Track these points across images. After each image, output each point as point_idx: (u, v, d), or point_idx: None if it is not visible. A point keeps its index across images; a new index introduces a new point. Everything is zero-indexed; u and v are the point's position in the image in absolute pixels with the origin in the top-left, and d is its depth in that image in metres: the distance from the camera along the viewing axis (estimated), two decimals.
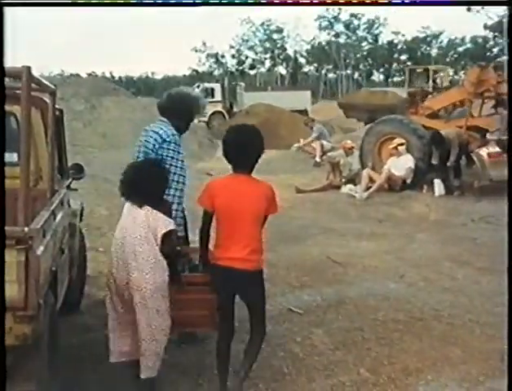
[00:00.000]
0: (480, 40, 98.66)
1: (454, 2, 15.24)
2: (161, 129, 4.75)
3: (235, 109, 38.94)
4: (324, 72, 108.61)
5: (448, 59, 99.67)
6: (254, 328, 4.10)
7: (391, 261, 7.79)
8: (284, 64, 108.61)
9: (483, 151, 11.88)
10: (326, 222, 10.10)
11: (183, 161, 4.75)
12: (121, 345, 4.01)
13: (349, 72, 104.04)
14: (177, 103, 4.92)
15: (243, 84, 45.39)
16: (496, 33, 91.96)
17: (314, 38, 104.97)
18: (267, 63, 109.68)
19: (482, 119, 13.87)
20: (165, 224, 3.85)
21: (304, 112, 33.69)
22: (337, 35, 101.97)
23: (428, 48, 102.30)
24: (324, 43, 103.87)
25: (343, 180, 13.50)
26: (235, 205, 3.86)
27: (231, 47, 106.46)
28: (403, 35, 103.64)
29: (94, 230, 8.35)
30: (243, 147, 3.93)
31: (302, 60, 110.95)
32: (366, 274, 7.17)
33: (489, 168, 11.59)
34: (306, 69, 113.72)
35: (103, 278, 6.69)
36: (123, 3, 4.70)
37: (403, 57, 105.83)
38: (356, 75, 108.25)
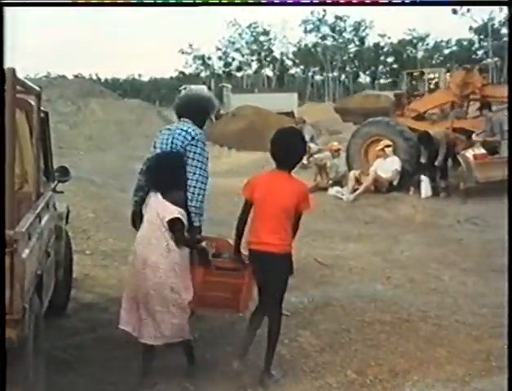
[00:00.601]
0: (465, 43, 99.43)
1: (456, 2, 15.37)
2: (189, 127, 4.94)
3: (221, 111, 38.84)
4: (310, 74, 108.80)
5: (433, 62, 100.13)
6: (271, 319, 4.47)
7: (378, 263, 7.82)
8: (271, 66, 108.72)
9: (469, 153, 11.96)
10: (313, 224, 10.09)
11: (207, 158, 4.96)
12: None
13: (335, 74, 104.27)
14: (194, 103, 5.16)
15: (230, 86, 45.30)
16: (482, 36, 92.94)
17: (300, 40, 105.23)
18: (254, 66, 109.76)
19: (467, 121, 13.96)
20: (170, 211, 4.26)
21: (291, 114, 33.70)
22: (323, 37, 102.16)
23: (414, 50, 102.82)
24: (310, 45, 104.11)
25: (330, 182, 13.54)
26: (270, 198, 4.37)
27: (218, 49, 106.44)
28: (390, 37, 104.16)
29: (80, 233, 8.32)
30: (287, 149, 4.45)
31: (288, 62, 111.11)
32: (353, 275, 7.20)
33: (475, 169, 11.67)
34: (292, 71, 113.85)
35: (89, 281, 6.70)
36: (123, 3, 4.67)
37: (390, 59, 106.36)
38: (343, 77, 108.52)
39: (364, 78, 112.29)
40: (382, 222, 10.44)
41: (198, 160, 4.83)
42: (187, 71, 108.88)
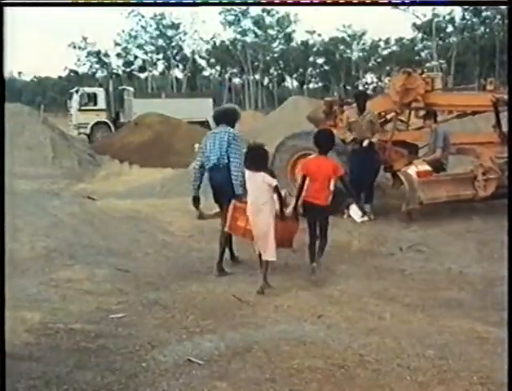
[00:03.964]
0: (407, 42, 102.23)
1: (456, 2, 16.04)
2: (230, 129, 9.02)
3: (122, 119, 38.64)
4: (228, 76, 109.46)
5: (370, 64, 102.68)
6: (321, 238, 8.85)
7: (307, 299, 7.86)
8: (181, 67, 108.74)
9: (412, 170, 12.07)
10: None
11: (242, 148, 8.89)
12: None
13: (257, 76, 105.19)
14: (226, 113, 9.40)
15: (132, 89, 45.15)
16: (425, 35, 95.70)
17: (214, 36, 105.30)
18: (160, 65, 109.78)
19: (409, 133, 14.21)
20: (272, 182, 8.15)
21: (205, 124, 33.77)
22: (243, 33, 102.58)
23: (348, 50, 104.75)
24: (227, 42, 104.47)
25: None
26: (316, 171, 8.61)
27: (117, 45, 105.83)
28: (320, 35, 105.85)
29: None
30: (323, 142, 8.83)
31: (201, 62, 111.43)
32: (278, 314, 7.19)
33: (418, 189, 11.80)
34: (206, 73, 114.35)
35: None
36: (123, 3, 4.72)
37: (320, 60, 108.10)
38: (266, 80, 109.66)
39: (291, 82, 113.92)
40: None
41: (239, 150, 8.84)
42: (80, 70, 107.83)
